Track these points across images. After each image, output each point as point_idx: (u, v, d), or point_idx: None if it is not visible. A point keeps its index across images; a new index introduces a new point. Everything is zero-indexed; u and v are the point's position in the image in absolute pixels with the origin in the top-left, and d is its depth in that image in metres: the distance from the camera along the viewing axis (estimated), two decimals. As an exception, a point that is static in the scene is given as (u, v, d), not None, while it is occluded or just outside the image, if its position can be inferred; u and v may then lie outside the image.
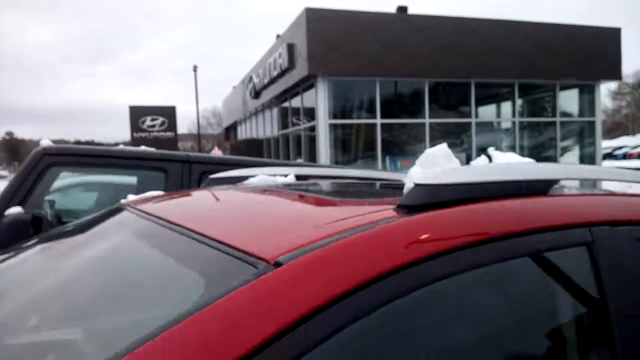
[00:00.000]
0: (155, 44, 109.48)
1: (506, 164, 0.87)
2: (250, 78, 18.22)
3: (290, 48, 13.19)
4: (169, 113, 24.99)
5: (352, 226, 0.66)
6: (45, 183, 2.73)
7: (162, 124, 24.39)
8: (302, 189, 1.26)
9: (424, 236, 0.64)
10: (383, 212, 0.74)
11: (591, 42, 14.21)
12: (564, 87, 14.92)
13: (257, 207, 0.93)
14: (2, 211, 2.44)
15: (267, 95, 16.66)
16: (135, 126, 23.87)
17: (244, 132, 23.21)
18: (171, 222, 0.90)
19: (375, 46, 12.38)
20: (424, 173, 0.79)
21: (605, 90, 45.47)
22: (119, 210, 1.21)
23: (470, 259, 0.65)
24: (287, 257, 0.57)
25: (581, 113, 15.33)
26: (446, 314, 0.68)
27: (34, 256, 1.14)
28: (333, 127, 12.97)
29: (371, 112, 13.21)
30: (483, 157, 0.91)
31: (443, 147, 0.85)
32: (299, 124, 14.94)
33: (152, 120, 24.32)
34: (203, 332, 0.50)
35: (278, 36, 15.11)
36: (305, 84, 13.45)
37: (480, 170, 0.80)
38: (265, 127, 18.83)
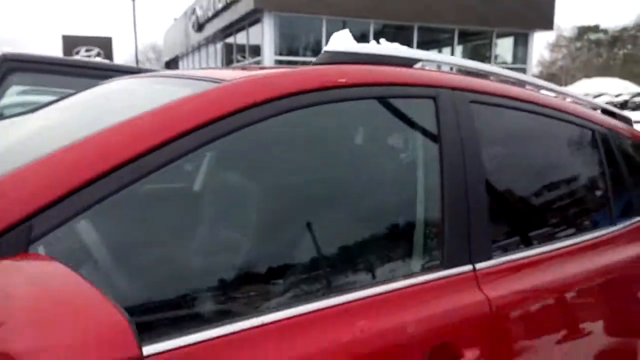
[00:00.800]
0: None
1: (388, 46, 1.29)
2: (194, 10, 17.64)
3: (236, -21, 12.93)
4: (104, 44, 23.79)
5: (280, 71, 1.06)
6: (3, 89, 2.90)
7: (98, 55, 23.20)
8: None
9: (321, 78, 1.05)
10: (303, 67, 1.14)
11: (527, -8, 14.91)
12: (501, 35, 15.68)
13: (210, 70, 1.33)
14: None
15: (211, 29, 16.29)
16: (68, 56, 22.59)
17: (186, 67, 22.62)
18: (149, 74, 1.28)
19: (322, -17, 12.41)
20: (331, 46, 1.19)
21: (545, 42, 47.49)
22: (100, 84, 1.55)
23: (342, 95, 1.07)
24: (232, 80, 0.97)
25: (514, 61, 16.26)
26: (321, 132, 1.12)
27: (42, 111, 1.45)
28: (279, 65, 13.07)
29: (317, 52, 13.38)
30: (375, 42, 1.32)
31: (345, 31, 1.25)
32: (244, 61, 14.87)
33: (87, 50, 23.05)
34: (193, 104, 0.90)
35: (223, -34, 14.66)
36: (251, 19, 13.33)
37: (368, 47, 1.21)
38: (209, 62, 18.49)
